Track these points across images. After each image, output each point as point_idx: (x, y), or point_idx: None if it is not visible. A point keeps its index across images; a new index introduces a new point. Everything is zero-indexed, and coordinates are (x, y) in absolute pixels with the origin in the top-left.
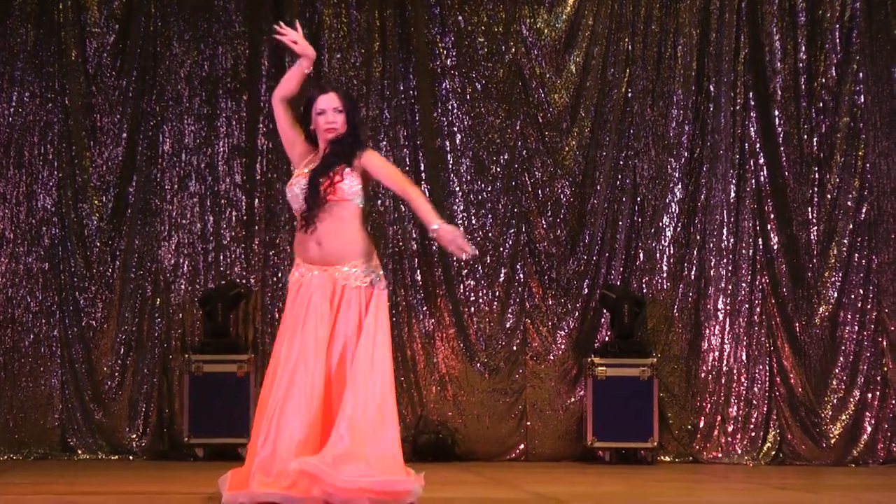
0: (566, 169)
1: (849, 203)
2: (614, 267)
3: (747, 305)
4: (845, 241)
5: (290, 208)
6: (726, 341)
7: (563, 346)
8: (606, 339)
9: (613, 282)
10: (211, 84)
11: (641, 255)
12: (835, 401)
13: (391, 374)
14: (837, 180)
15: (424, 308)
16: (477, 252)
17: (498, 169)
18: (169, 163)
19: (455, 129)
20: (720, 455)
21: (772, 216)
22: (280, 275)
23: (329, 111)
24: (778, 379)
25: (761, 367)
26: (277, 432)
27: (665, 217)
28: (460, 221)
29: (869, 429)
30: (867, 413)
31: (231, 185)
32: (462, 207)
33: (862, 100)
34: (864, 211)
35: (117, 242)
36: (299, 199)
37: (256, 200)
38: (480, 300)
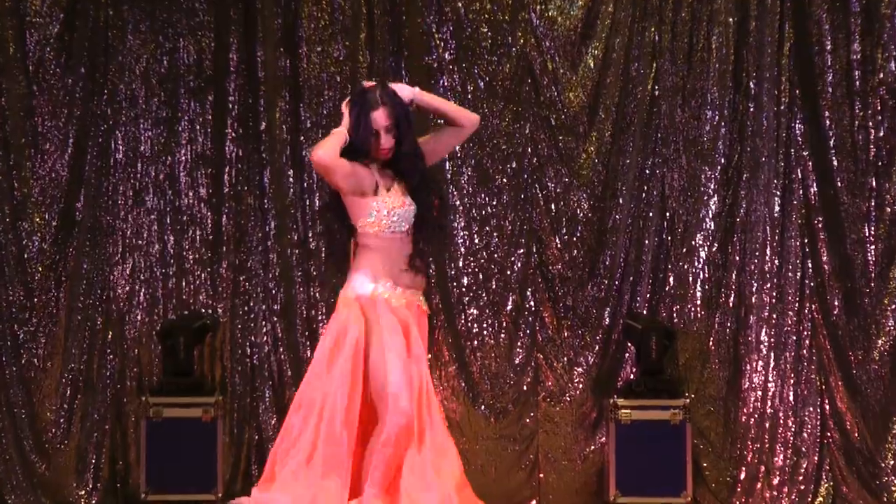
0: (583, 179)
1: None
2: (640, 293)
3: (794, 337)
4: None
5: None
6: (770, 379)
7: (580, 386)
8: (631, 376)
9: (639, 310)
10: (171, 82)
11: (671, 279)
12: None
13: None
14: None
15: None
16: None
17: (504, 180)
18: (123, 174)
19: None
20: None
21: (822, 234)
22: (252, 303)
23: (382, 132)
24: (831, 423)
25: (811, 409)
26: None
27: (698, 235)
28: (460, 241)
29: None
30: None
31: (195, 200)
32: (463, 224)
33: None
34: None
35: (62, 267)
36: (404, 224)
37: (224, 217)
38: (485, 332)
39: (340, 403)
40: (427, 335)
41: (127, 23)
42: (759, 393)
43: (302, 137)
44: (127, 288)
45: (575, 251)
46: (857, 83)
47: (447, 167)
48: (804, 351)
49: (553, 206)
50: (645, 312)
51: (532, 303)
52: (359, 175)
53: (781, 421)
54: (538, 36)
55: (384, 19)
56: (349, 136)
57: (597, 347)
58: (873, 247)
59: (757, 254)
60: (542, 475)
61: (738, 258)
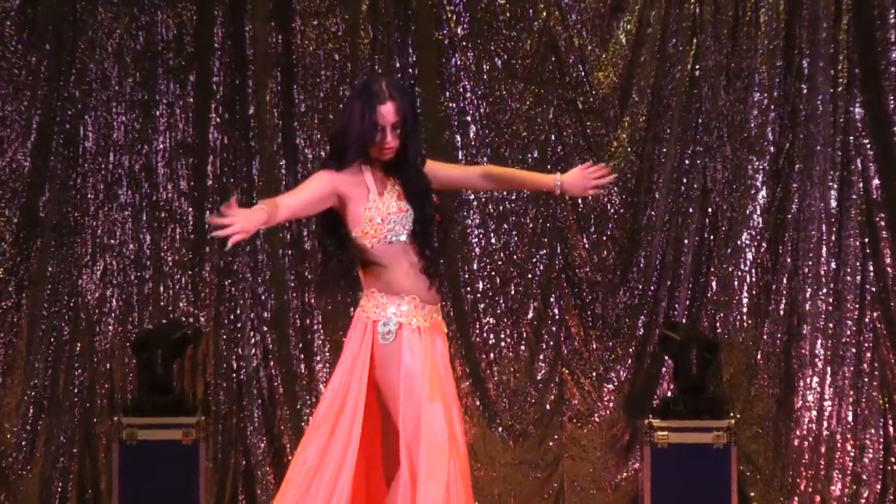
0: (615, 170)
1: None
2: (678, 299)
3: (854, 350)
4: None
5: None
6: (826, 397)
7: (611, 404)
8: (668, 394)
9: (677, 319)
10: (148, 61)
11: (714, 283)
12: None
13: None
14: None
15: None
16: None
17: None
18: (93, 165)
19: (468, 118)
20: None
21: (884, 232)
22: (239, 311)
23: (388, 129)
24: (895, 447)
25: (873, 431)
26: None
27: (745, 234)
28: (475, 240)
29: None
30: None
31: (174, 194)
32: (478, 221)
33: None
34: None
35: (24, 270)
36: (402, 233)
37: (208, 213)
38: (502, 343)
39: (332, 476)
40: (447, 358)
41: None
42: (814, 413)
43: (296, 123)
44: (97, 294)
45: (605, 252)
46: None
47: (460, 157)
48: (865, 365)
49: (580, 201)
50: (684, 321)
51: (556, 310)
52: (344, 184)
53: (839, 445)
54: (563, 8)
55: None
56: (347, 131)
57: (629, 361)
58: None
59: (811, 255)
60: None
61: (789, 260)
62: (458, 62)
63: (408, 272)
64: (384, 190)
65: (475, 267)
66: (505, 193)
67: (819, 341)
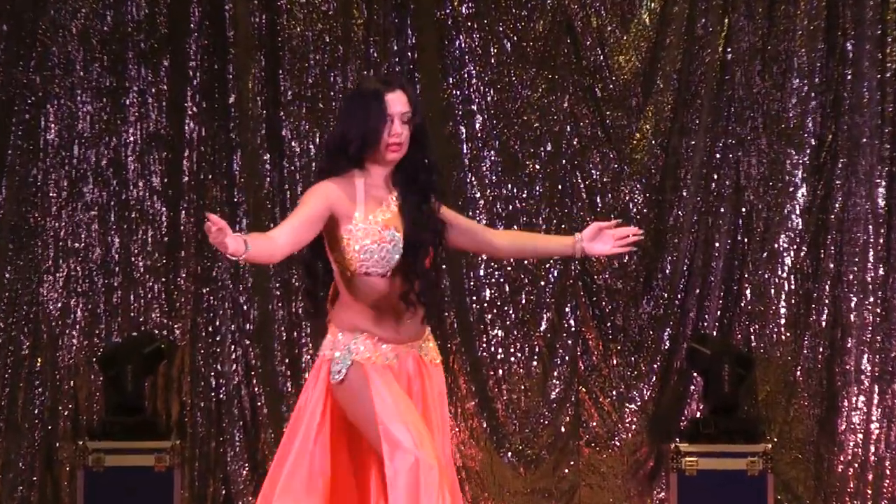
0: (637, 166)
1: None
2: (708, 309)
3: None
4: None
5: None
6: (874, 419)
7: (633, 427)
8: (697, 415)
9: (707, 331)
10: (116, 44)
11: (748, 291)
12: None
13: None
14: None
15: None
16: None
17: (537, 166)
18: (55, 159)
19: (474, 107)
20: None
21: None
22: (218, 322)
23: (396, 119)
24: None
25: None
26: None
27: (782, 236)
28: None
29: None
30: None
31: (146, 192)
32: (484, 222)
33: None
34: None
35: None
36: (384, 265)
37: (183, 213)
38: (512, 359)
39: None
40: (444, 394)
41: None
42: (860, 436)
43: (281, 113)
44: (60, 303)
45: (626, 256)
46: None
47: (465, 151)
48: None
49: (598, 200)
50: (715, 334)
51: (572, 322)
52: (338, 199)
53: (888, 471)
54: None
55: None
56: (348, 130)
57: (654, 378)
58: None
59: (856, 260)
60: None
61: (832, 265)
62: (463, 44)
63: (376, 307)
64: (377, 208)
65: (481, 273)
66: (514, 191)
67: (865, 356)
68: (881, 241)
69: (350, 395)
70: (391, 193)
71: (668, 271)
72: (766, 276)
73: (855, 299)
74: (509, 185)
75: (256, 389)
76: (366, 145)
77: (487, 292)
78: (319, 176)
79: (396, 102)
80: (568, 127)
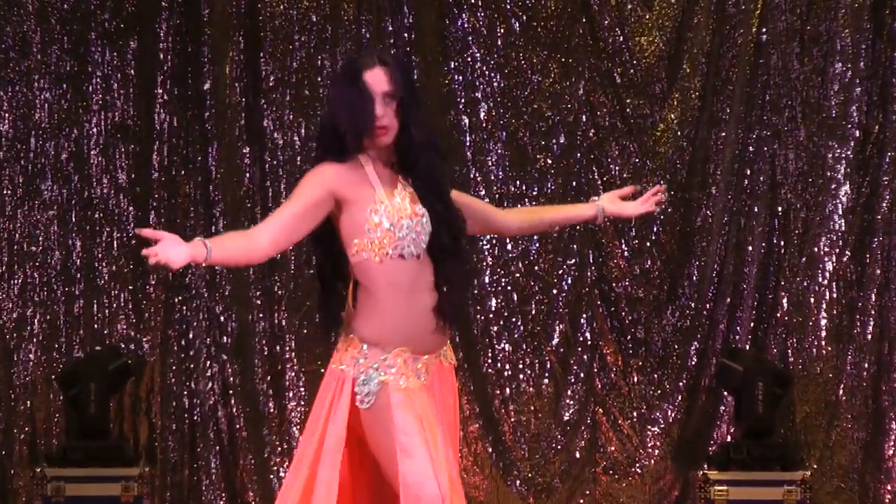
0: (660, 160)
1: None
2: (740, 321)
3: None
4: None
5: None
6: None
7: (656, 451)
8: (728, 438)
9: (739, 345)
10: (78, 23)
11: (784, 301)
12: None
13: None
14: None
15: None
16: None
17: (549, 160)
18: (10, 153)
19: (479, 94)
20: None
21: None
22: (191, 335)
23: (378, 100)
24: None
25: None
26: None
27: (823, 239)
28: (487, 247)
29: None
30: None
31: (111, 189)
32: None
33: None
34: None
35: None
36: (418, 244)
37: (153, 213)
38: (521, 376)
39: None
40: (457, 402)
41: None
42: None
43: (262, 101)
44: (15, 314)
45: (648, 262)
46: None
47: (468, 142)
48: None
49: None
50: (747, 348)
51: (588, 335)
52: (343, 183)
53: None
54: None
55: None
56: (333, 120)
57: (679, 398)
58: None
59: None
60: None
61: (878, 271)
62: (466, 24)
63: (410, 309)
64: (394, 188)
65: (487, 281)
66: (523, 188)
67: None
68: None
69: (375, 421)
70: (401, 178)
71: (695, 278)
72: (805, 283)
73: None
74: (517, 182)
75: (235, 410)
76: (360, 133)
77: (493, 302)
78: (318, 159)
79: (376, 81)
80: (583, 116)
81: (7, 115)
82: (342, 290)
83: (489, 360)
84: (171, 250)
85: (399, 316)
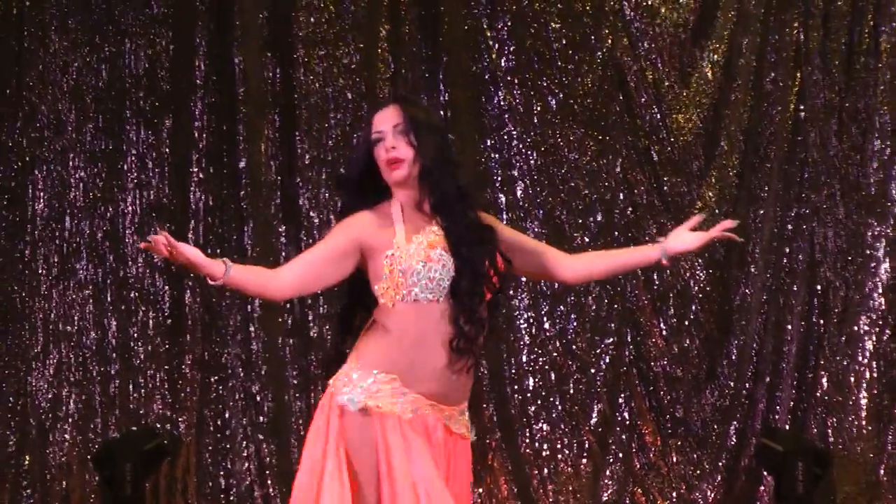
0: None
1: None
2: (780, 400)
3: None
4: None
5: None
6: None
7: None
8: None
9: (779, 425)
10: (113, 102)
11: (825, 380)
12: None
13: None
14: None
15: None
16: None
17: (586, 238)
18: (44, 231)
19: (515, 172)
20: None
21: None
22: (227, 414)
23: (389, 135)
24: None
25: None
26: None
27: (863, 318)
28: (524, 325)
29: None
30: None
31: (146, 268)
32: (528, 302)
33: None
34: None
35: None
36: (433, 289)
37: (188, 293)
38: (559, 456)
39: None
40: (468, 475)
41: (50, 17)
42: None
43: (298, 179)
44: (50, 394)
45: (687, 341)
46: None
47: (504, 219)
48: None
49: (655, 277)
50: (787, 428)
51: (626, 414)
52: (370, 231)
53: None
54: (632, 33)
55: (414, 10)
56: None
57: (719, 478)
58: None
59: None
60: None
61: None
62: (502, 101)
63: (417, 349)
64: (419, 231)
65: (524, 360)
66: None
67: None
68: None
69: (357, 441)
70: (433, 219)
71: (734, 357)
72: (845, 362)
73: None
74: None
75: (271, 491)
76: (362, 165)
77: (531, 381)
78: (347, 209)
79: (385, 119)
80: (621, 194)
81: (42, 194)
82: (358, 329)
83: (527, 440)
84: (182, 248)
85: (402, 346)
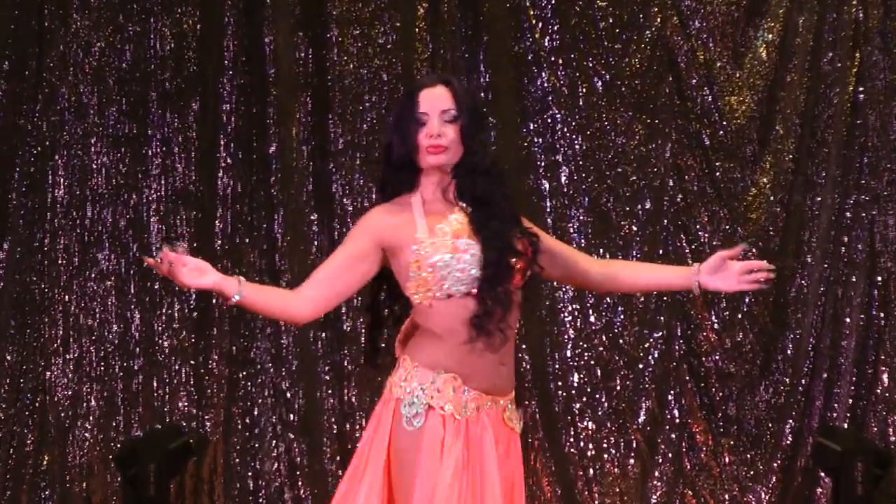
0: (753, 227)
1: None
2: (838, 398)
3: None
4: None
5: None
6: None
7: None
8: None
9: (837, 423)
10: (137, 84)
11: (885, 376)
12: None
13: None
14: None
15: None
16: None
17: (634, 227)
18: (65, 220)
19: (559, 157)
20: None
21: None
22: (256, 412)
23: (434, 118)
24: None
25: None
26: None
27: None
28: (569, 319)
29: None
30: None
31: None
32: (571, 294)
33: None
34: None
35: None
36: (464, 280)
37: None
38: (605, 456)
39: None
40: (521, 470)
41: None
42: None
43: (332, 165)
44: (70, 391)
45: (740, 335)
46: None
47: (548, 206)
48: None
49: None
50: (846, 426)
51: (676, 412)
52: (390, 229)
53: None
54: (683, 12)
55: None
56: (389, 144)
57: (774, 479)
58: None
59: None
60: None
61: None
62: (545, 83)
63: (463, 342)
64: (441, 220)
65: (568, 355)
66: (608, 256)
67: None
68: None
69: (413, 448)
70: (456, 205)
71: (789, 352)
72: None
73: None
74: (601, 250)
75: (302, 492)
76: (404, 150)
77: (575, 377)
78: (380, 190)
79: (433, 99)
80: (670, 181)
81: (62, 180)
82: (395, 323)
83: (571, 440)
84: (188, 277)
85: (451, 345)
